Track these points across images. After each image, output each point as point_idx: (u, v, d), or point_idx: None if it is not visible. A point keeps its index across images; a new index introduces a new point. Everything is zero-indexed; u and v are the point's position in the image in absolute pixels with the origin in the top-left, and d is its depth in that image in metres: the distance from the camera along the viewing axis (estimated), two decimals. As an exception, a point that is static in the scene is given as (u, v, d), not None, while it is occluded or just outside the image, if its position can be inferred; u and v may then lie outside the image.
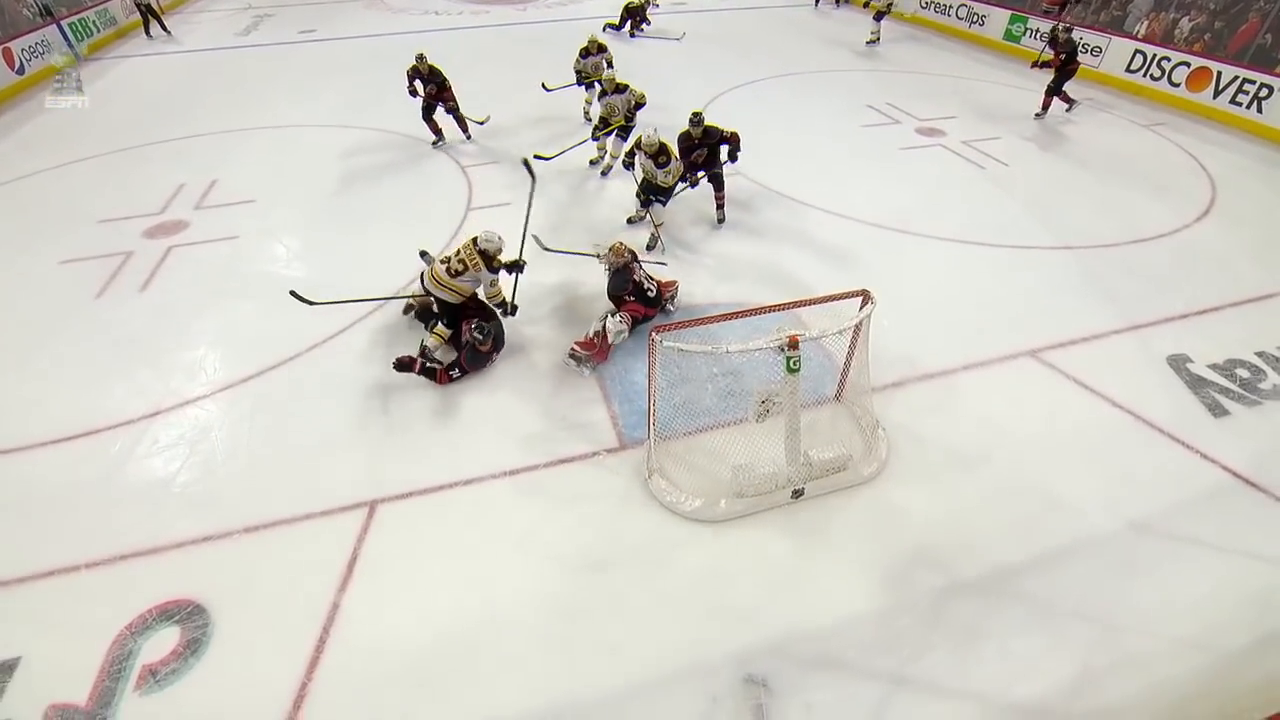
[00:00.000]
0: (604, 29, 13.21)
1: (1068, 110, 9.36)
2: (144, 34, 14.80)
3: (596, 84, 8.29)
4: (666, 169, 6.07)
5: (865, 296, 3.90)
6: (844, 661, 3.16)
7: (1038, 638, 3.23)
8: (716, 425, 4.24)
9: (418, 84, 8.23)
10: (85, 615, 3.36)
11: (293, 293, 4.76)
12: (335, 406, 4.60)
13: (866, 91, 10.57)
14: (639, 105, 7.46)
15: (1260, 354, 4.95)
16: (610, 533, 3.74)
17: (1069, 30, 9.61)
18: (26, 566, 3.60)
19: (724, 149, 6.35)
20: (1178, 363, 4.88)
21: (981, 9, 13.31)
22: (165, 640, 3.25)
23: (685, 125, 6.17)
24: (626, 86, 7.44)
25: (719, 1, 16.93)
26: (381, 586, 3.48)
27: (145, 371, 4.94)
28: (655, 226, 6.30)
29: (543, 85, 9.22)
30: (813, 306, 3.91)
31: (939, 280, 5.91)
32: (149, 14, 14.68)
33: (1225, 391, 4.63)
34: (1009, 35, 12.72)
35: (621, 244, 5.19)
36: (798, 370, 3.53)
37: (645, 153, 6.05)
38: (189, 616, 3.34)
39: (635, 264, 5.18)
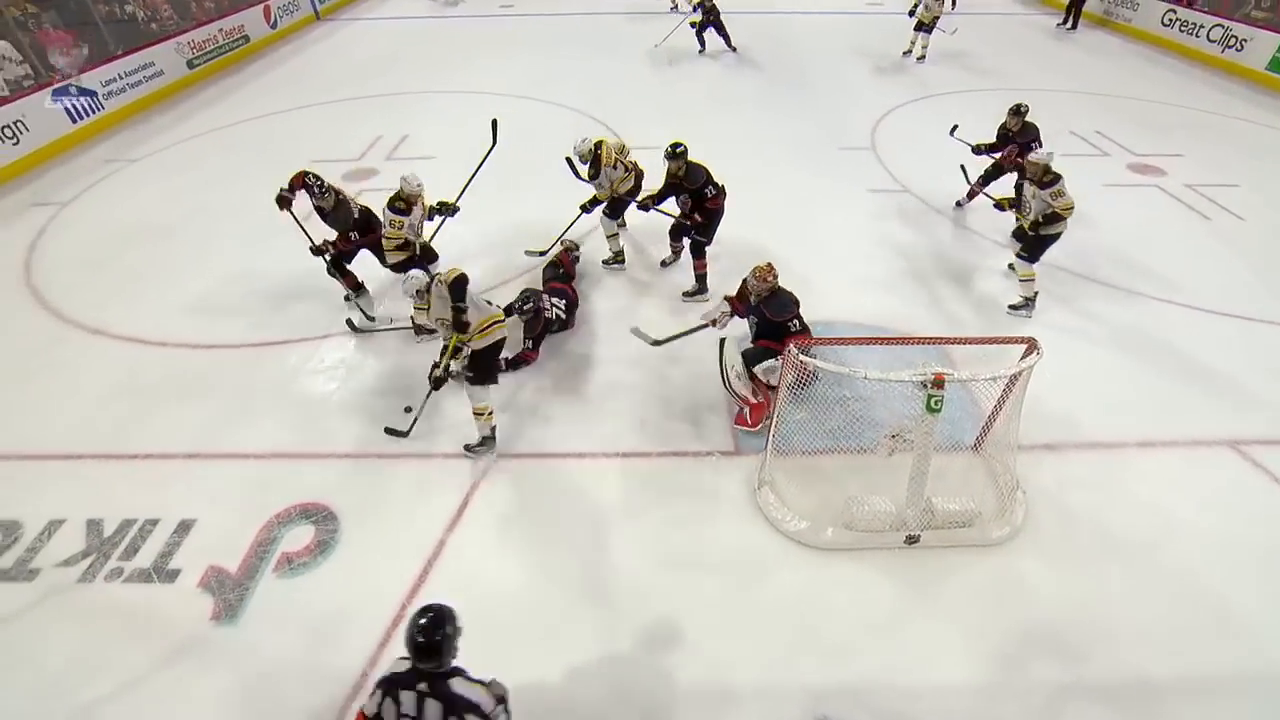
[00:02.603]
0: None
1: None
2: None
3: None
4: (597, 181, 5.58)
5: (1031, 345, 3.50)
6: (931, 731, 2.90)
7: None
8: (838, 450, 4.03)
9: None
10: (248, 497, 3.90)
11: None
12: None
13: (1073, 117, 9.40)
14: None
15: None
16: (709, 534, 3.71)
17: None
18: (209, 445, 4.24)
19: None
20: None
21: (1244, 31, 11.29)
22: (302, 535, 3.69)
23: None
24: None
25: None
26: (485, 535, 3.71)
27: (322, 299, 5.58)
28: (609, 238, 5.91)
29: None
30: (965, 346, 3.59)
31: (1127, 340, 5.16)
32: None
33: None
34: (1275, 65, 10.70)
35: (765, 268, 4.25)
36: (938, 411, 3.25)
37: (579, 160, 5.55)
38: (323, 520, 3.77)
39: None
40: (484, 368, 3.93)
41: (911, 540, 3.59)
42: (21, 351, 5.09)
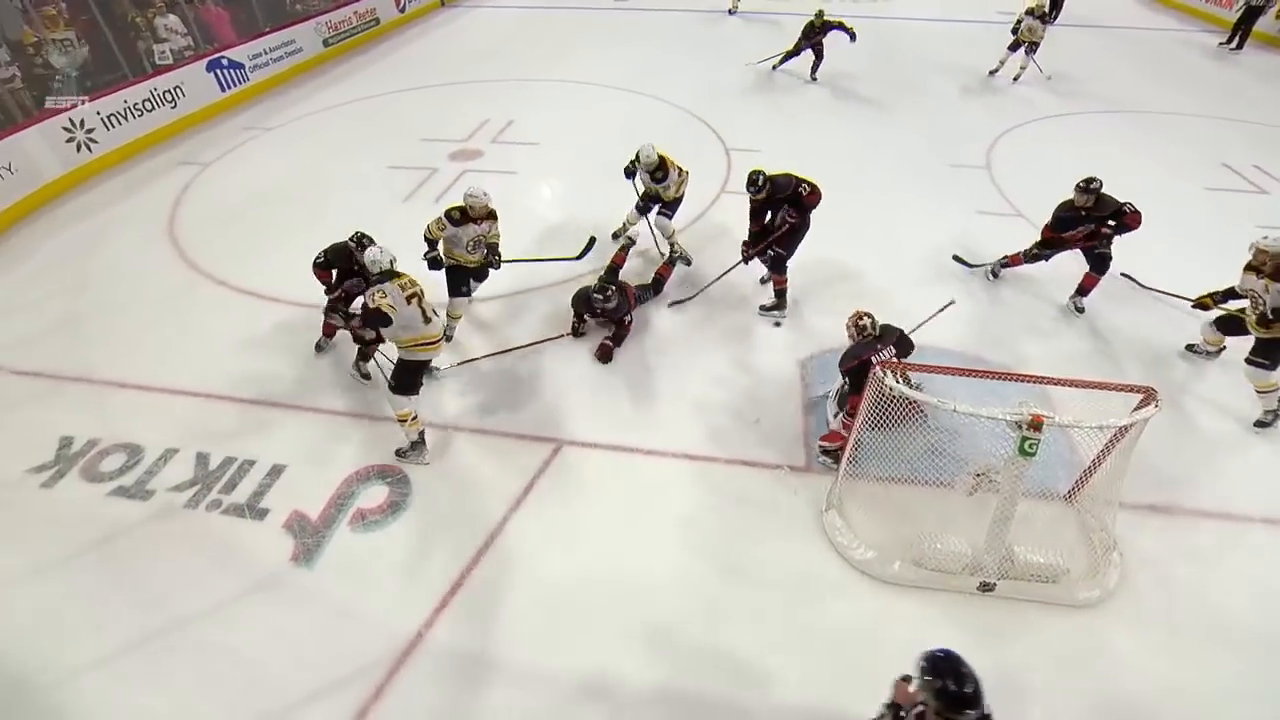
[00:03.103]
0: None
1: None
2: None
3: None
4: (664, 184, 5.53)
5: (1149, 396, 3.19)
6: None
7: None
8: (915, 481, 3.81)
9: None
10: (334, 451, 4.17)
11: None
12: (560, 345, 5.01)
13: (1226, 147, 8.44)
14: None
15: None
16: (771, 550, 3.62)
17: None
18: (306, 400, 4.54)
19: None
20: None
21: None
22: (376, 495, 3.90)
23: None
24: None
25: (1076, 18, 14.50)
26: (545, 520, 3.78)
27: (420, 269, 5.81)
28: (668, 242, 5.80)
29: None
30: (1069, 388, 3.31)
31: (1254, 397, 4.60)
32: None
33: None
34: None
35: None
36: (1032, 455, 3.02)
37: (644, 168, 5.50)
38: (397, 483, 3.97)
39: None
40: (401, 377, 3.90)
41: (986, 588, 3.37)
42: (159, 295, 5.66)
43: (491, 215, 4.74)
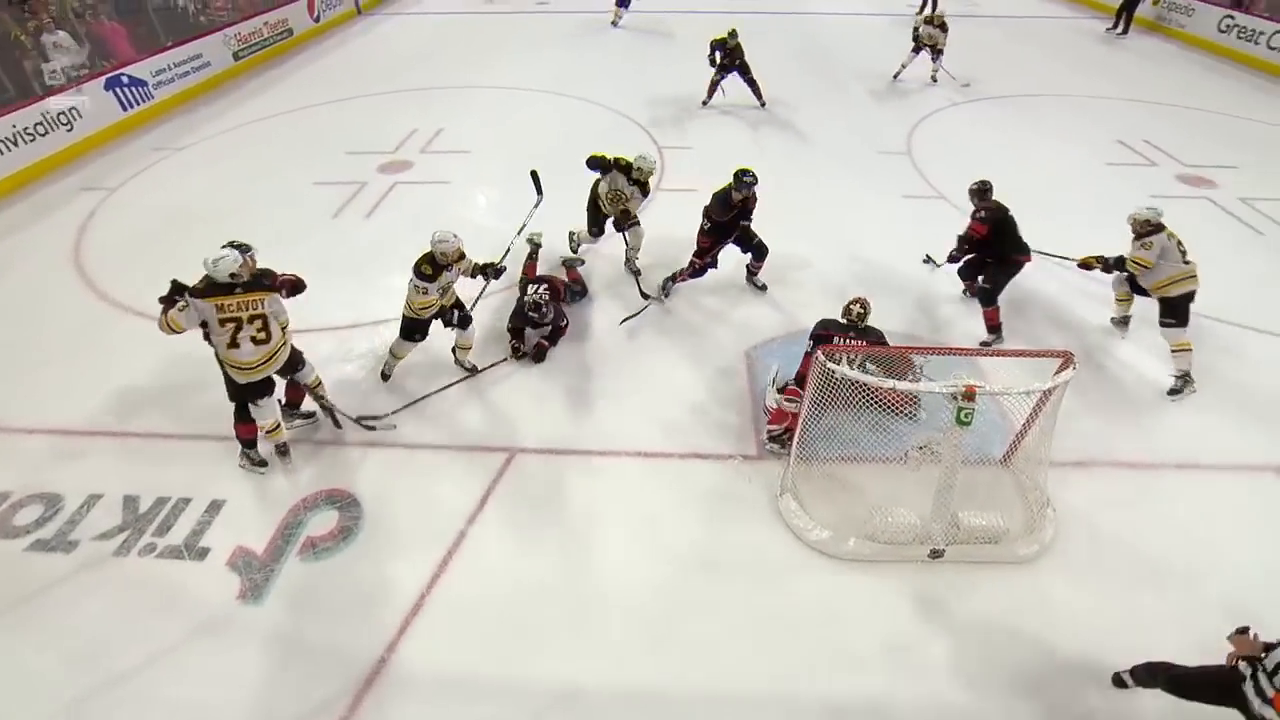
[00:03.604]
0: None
1: None
2: None
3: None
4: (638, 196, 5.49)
5: (1067, 360, 3.41)
6: (950, 751, 2.85)
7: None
8: (863, 459, 3.97)
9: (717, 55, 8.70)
10: (276, 481, 3.99)
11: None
12: (504, 351, 4.95)
13: (1122, 125, 9.11)
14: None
15: None
16: (728, 539, 3.68)
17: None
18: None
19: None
20: None
21: (1305, 41, 10.83)
22: (326, 521, 3.76)
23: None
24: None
25: (974, 6, 15.38)
26: (505, 529, 3.73)
27: (356, 287, 5.67)
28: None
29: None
30: (998, 359, 3.50)
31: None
32: None
33: None
34: (1336, 77, 10.24)
35: None
36: (968, 424, 3.18)
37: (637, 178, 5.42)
38: (347, 506, 3.84)
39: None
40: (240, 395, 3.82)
41: (936, 554, 3.52)
42: (68, 330, 5.28)
43: (461, 256, 4.35)
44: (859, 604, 3.38)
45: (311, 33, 13.12)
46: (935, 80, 10.44)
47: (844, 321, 4.23)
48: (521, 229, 5.06)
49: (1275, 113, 9.71)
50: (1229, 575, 3.50)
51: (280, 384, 3.99)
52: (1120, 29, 13.43)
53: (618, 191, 5.51)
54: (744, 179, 5.02)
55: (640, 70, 11.20)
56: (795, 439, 3.74)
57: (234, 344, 3.58)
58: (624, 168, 5.47)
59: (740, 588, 3.45)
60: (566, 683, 3.07)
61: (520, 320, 4.84)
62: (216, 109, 9.72)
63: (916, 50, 10.25)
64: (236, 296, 3.57)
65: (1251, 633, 2.47)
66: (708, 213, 5.22)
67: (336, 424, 4.26)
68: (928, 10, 11.36)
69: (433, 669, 3.11)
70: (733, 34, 8.99)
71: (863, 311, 4.22)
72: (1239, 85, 10.87)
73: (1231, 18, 12.08)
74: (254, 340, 3.61)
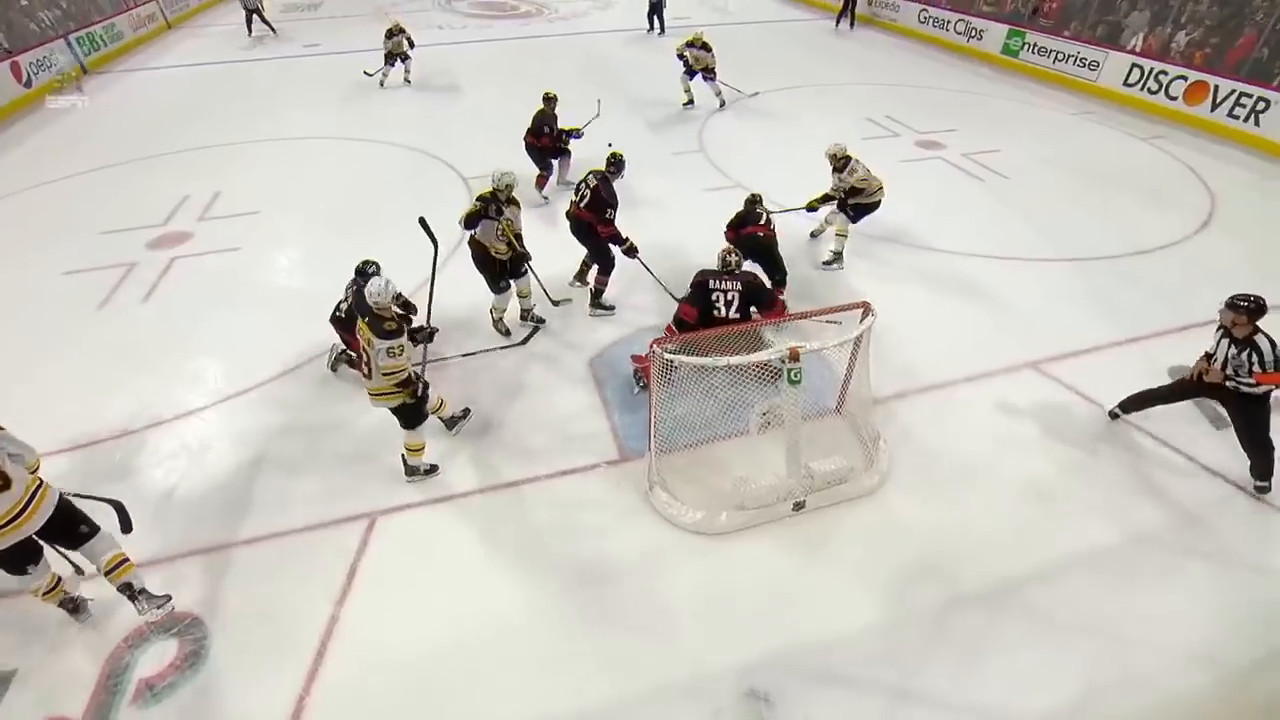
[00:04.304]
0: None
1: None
2: (246, 33, 15.46)
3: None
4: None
5: (866, 309, 3.91)
6: (847, 676, 3.13)
7: (1042, 651, 3.21)
8: (718, 438, 4.24)
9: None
10: (85, 627, 3.34)
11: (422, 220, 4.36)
12: (335, 418, 4.60)
13: (866, 104, 10.65)
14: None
15: (1262, 366, 4.95)
16: (611, 545, 3.73)
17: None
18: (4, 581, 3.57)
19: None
20: (1180, 374, 4.87)
21: (979, 24, 13.42)
22: (163, 653, 3.23)
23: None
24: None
25: (728, 16, 17.13)
26: (381, 599, 3.46)
27: (147, 381, 4.94)
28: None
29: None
30: (814, 319, 3.92)
31: (938, 292, 5.92)
32: (253, 12, 15.33)
33: (1227, 403, 4.63)
34: (1007, 50, 12.81)
35: None
36: (798, 382, 3.53)
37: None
38: (187, 629, 3.33)
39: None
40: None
41: (799, 507, 3.86)
42: None
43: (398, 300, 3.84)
44: (744, 570, 3.59)
45: (22, 100, 11.13)
46: (723, 104, 10.43)
47: (720, 269, 4.65)
48: (431, 283, 4.44)
49: (968, 82, 11.97)
50: (1013, 458, 4.23)
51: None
52: (848, 24, 15.72)
53: (507, 223, 4.94)
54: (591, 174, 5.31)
55: (433, 102, 10.97)
56: (651, 431, 3.88)
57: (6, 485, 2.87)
58: (502, 199, 4.92)
59: (632, 587, 3.51)
60: (482, 737, 2.92)
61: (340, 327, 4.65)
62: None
63: (691, 75, 10.15)
64: None
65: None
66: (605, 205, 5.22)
67: (126, 526, 3.27)
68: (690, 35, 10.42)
69: (329, 775, 2.81)
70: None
71: (738, 259, 4.69)
72: (937, 64, 13.22)
73: (926, 10, 14.66)
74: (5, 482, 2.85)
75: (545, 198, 7.55)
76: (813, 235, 6.79)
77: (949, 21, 14.13)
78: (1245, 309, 3.57)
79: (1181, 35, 10.21)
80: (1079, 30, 11.72)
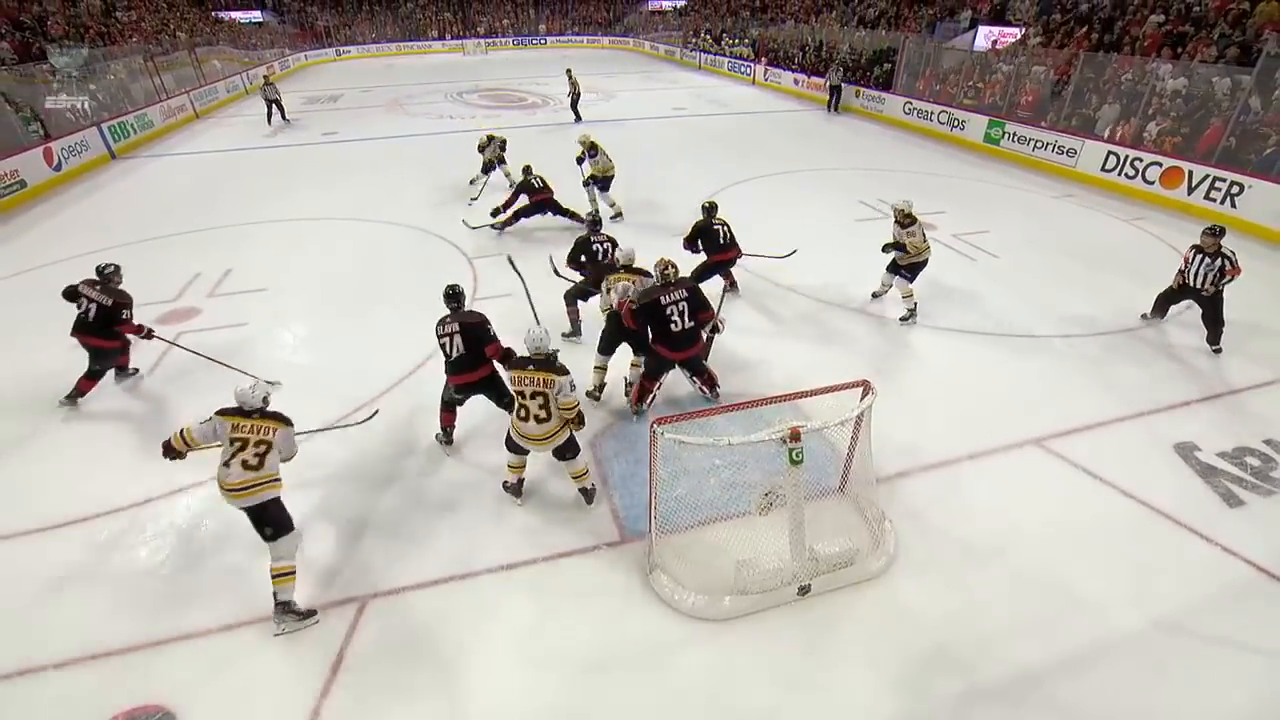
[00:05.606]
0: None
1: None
2: (266, 123, 16.69)
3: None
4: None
5: (866, 387, 3.92)
6: (861, 780, 2.92)
7: (1069, 753, 3.00)
8: (719, 518, 4.14)
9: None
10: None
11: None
12: (327, 497, 4.52)
13: (858, 188, 11.11)
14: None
15: (1268, 442, 4.91)
16: (611, 631, 3.58)
17: None
18: (-6, 668, 3.41)
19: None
20: (1186, 450, 4.83)
21: (961, 115, 14.22)
22: (131, 754, 3.03)
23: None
24: None
25: (726, 107, 18.23)
26: (368, 692, 3.28)
27: (141, 458, 4.88)
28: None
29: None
30: (814, 398, 3.92)
31: (937, 370, 5.95)
32: (272, 105, 16.56)
33: (1238, 480, 4.55)
34: (989, 138, 13.51)
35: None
36: (800, 462, 3.49)
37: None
38: (159, 726, 3.13)
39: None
40: None
41: (804, 591, 3.72)
42: None
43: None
44: (747, 657, 3.42)
45: (51, 183, 11.68)
46: (620, 217, 9.64)
47: (660, 283, 4.88)
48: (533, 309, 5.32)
49: (953, 168, 12.55)
50: (1024, 541, 4.11)
51: None
52: (833, 111, 17.02)
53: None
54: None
55: (442, 186, 11.44)
56: (651, 512, 3.80)
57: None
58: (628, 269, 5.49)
59: (635, 676, 3.34)
60: None
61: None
62: (-77, 283, 8.10)
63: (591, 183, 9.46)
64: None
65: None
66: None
67: None
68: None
69: None
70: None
71: (675, 269, 4.93)
72: (925, 150, 13.92)
73: (911, 102, 15.59)
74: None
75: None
76: (874, 296, 7.22)
77: (931, 113, 14.99)
78: (1215, 234, 5.81)
79: (1152, 125, 10.78)
80: (1055, 121, 12.40)
